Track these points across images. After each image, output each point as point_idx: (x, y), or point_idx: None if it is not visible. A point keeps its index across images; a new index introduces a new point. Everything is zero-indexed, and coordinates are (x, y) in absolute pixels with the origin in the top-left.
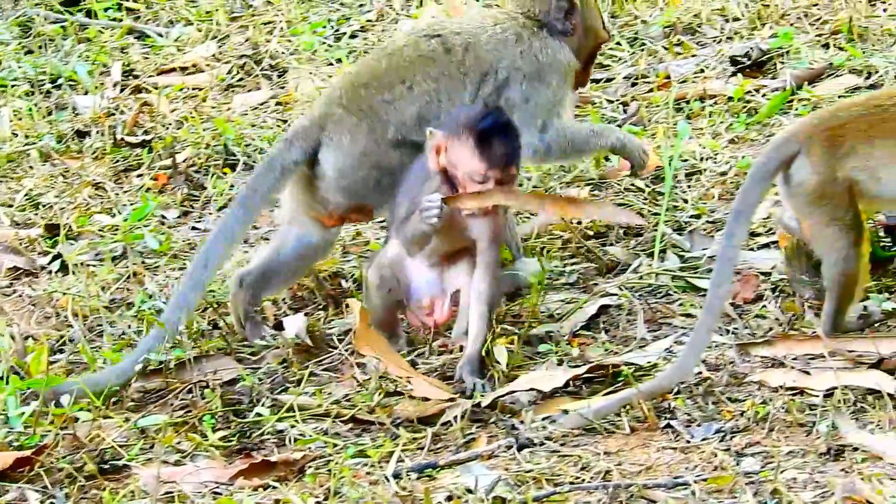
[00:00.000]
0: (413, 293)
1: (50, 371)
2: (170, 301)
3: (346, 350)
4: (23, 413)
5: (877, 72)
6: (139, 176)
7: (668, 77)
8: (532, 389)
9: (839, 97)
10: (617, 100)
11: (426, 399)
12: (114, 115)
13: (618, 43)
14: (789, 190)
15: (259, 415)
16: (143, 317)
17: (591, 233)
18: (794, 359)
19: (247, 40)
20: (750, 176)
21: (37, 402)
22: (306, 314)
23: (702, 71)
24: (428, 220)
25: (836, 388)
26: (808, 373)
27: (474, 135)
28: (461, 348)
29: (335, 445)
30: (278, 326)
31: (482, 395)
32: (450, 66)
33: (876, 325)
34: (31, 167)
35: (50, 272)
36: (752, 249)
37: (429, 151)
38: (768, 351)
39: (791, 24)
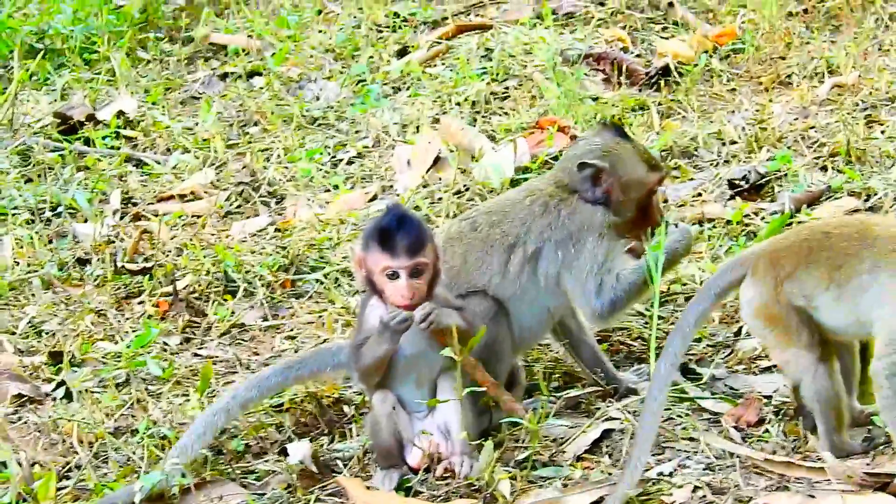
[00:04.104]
0: (413, 441)
1: (58, 498)
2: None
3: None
4: None
5: (875, 194)
6: (140, 303)
7: (665, 201)
8: None
9: None
10: None
11: None
12: (114, 242)
13: None
14: (743, 312)
15: None
16: (147, 444)
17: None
18: (797, 482)
19: (244, 167)
20: (698, 293)
21: None
22: (310, 440)
23: (699, 194)
24: (398, 327)
25: None
26: (813, 496)
27: (375, 235)
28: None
29: None
30: (283, 452)
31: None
32: (474, 242)
33: (881, 447)
34: (33, 294)
35: (54, 399)
36: (753, 373)
37: (354, 268)
38: (772, 475)
39: (788, 147)
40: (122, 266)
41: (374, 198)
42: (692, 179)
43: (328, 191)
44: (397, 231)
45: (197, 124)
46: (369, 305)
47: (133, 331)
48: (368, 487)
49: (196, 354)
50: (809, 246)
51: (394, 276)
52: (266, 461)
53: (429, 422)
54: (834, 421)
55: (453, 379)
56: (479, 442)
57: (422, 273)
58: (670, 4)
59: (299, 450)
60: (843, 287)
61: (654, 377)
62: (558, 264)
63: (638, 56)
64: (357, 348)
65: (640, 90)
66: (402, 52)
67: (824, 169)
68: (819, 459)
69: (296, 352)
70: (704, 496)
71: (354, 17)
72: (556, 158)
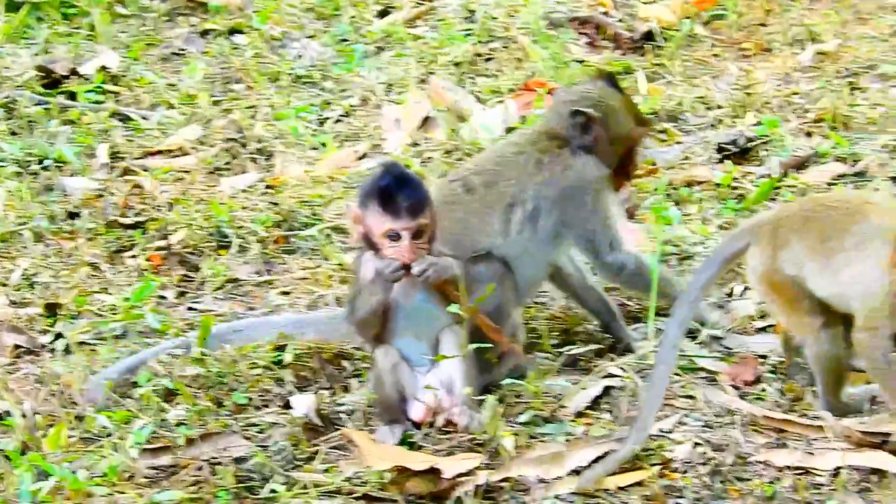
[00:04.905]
0: (415, 394)
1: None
2: None
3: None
4: (38, 489)
5: (862, 159)
6: (133, 257)
7: (654, 164)
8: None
9: (826, 184)
10: None
11: (437, 475)
12: (103, 196)
13: None
14: (750, 279)
15: (273, 491)
16: (147, 396)
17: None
18: (796, 439)
19: (230, 123)
20: (706, 260)
21: (53, 478)
22: (313, 394)
23: (687, 158)
24: (392, 276)
25: (841, 468)
26: (811, 453)
27: (375, 195)
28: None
29: None
30: (285, 406)
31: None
32: (472, 206)
33: (879, 405)
34: (24, 247)
35: (52, 350)
36: (749, 334)
37: (350, 225)
38: (771, 433)
39: (773, 113)
40: (114, 220)
41: (364, 156)
42: (679, 143)
43: (316, 149)
44: (399, 191)
45: (180, 80)
46: (364, 259)
47: (127, 284)
48: (373, 441)
49: (191, 308)
50: (806, 216)
51: (395, 237)
52: (269, 414)
53: (432, 376)
54: (833, 383)
55: (456, 334)
56: (482, 397)
57: (423, 234)
58: None
59: (303, 403)
60: (828, 259)
61: (664, 340)
62: (558, 221)
63: (620, 21)
64: (352, 302)
65: (624, 54)
66: (383, 13)
67: (809, 135)
68: (817, 418)
69: (291, 307)
70: (705, 452)
71: None
72: None
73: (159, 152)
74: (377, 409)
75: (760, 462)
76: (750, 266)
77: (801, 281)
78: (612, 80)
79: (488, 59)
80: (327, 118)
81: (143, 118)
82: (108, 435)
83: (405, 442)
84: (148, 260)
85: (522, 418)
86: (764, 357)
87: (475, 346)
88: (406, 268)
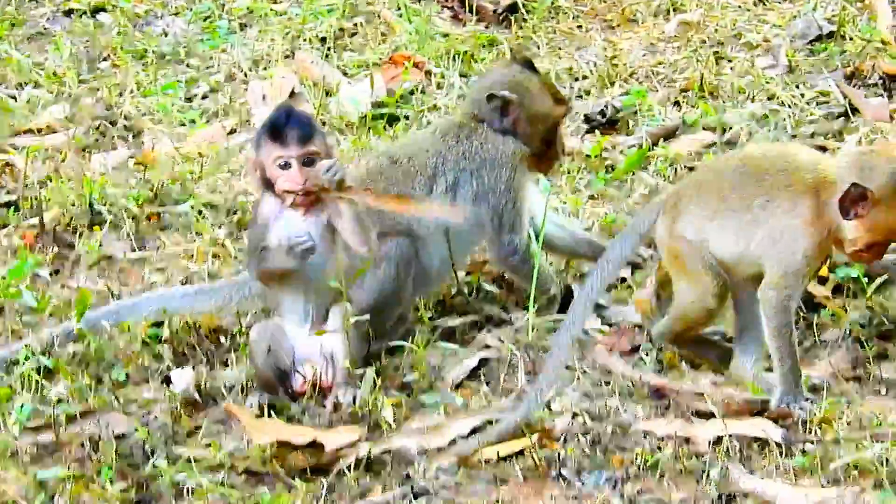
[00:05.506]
0: (297, 360)
1: None
2: None
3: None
4: None
5: (731, 128)
6: (6, 236)
7: None
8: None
9: (696, 153)
10: None
11: (319, 448)
12: None
13: None
14: (659, 248)
15: (155, 466)
16: (27, 374)
17: (466, 290)
18: (676, 408)
19: (98, 101)
20: (620, 233)
21: None
22: (193, 368)
23: None
24: (302, 249)
25: (722, 436)
26: (692, 421)
27: (266, 130)
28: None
29: (233, 497)
30: (165, 381)
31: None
32: (396, 176)
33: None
34: None
35: None
36: (622, 304)
37: (249, 173)
38: (649, 402)
39: (640, 83)
40: None
41: (233, 131)
42: None
43: (184, 125)
44: (287, 123)
45: (46, 59)
46: (264, 200)
47: (2, 263)
48: (256, 416)
49: (66, 286)
50: (701, 181)
51: (286, 165)
52: (149, 390)
53: (314, 349)
54: (680, 325)
55: (344, 310)
56: (361, 371)
57: (313, 162)
58: None
59: (182, 378)
60: (732, 219)
61: (570, 313)
62: (475, 193)
63: None
64: (256, 248)
65: (488, 27)
66: None
67: (677, 104)
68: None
69: (166, 283)
70: (584, 422)
71: None
72: (412, 93)
73: (29, 131)
74: (255, 384)
75: (641, 431)
76: (657, 236)
77: (702, 245)
78: (528, 62)
79: (353, 34)
80: (195, 95)
81: (11, 98)
82: None
83: (280, 413)
84: (21, 238)
85: (402, 388)
86: (640, 326)
87: (359, 317)
88: (308, 195)
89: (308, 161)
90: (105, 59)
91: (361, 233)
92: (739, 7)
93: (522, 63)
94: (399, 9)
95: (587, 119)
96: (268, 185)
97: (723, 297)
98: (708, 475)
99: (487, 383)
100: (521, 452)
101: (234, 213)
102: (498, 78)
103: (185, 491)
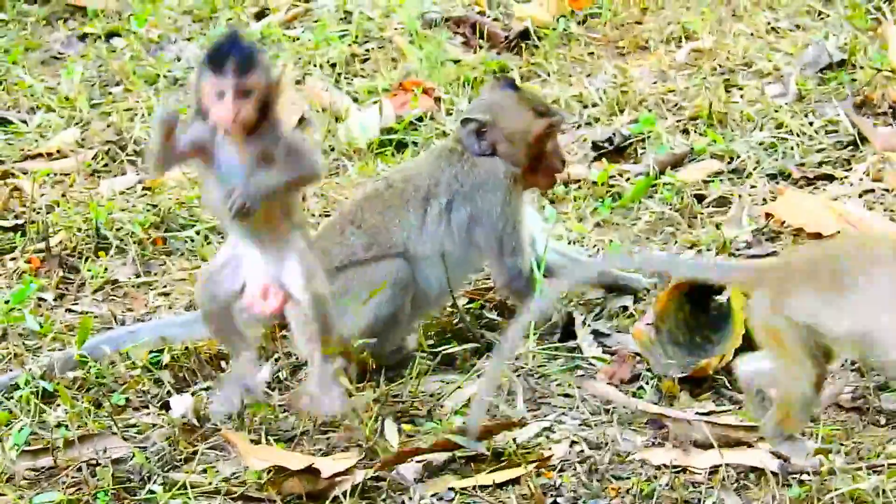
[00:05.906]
0: (247, 287)
1: None
2: None
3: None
4: None
5: (738, 156)
6: (13, 259)
7: None
8: (422, 461)
9: (703, 181)
10: None
11: (315, 475)
12: None
13: None
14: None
15: (152, 492)
16: (26, 398)
17: (467, 317)
18: (674, 438)
19: (109, 126)
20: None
21: None
22: (191, 394)
23: None
24: (236, 209)
25: (719, 465)
26: (688, 451)
27: (206, 56)
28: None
29: None
30: (164, 406)
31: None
32: (391, 199)
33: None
34: None
35: None
36: (623, 332)
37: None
38: (648, 431)
39: (649, 110)
40: None
41: None
42: None
43: None
44: (227, 51)
45: (59, 84)
46: (195, 122)
47: (7, 287)
48: (254, 441)
49: (70, 310)
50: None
51: (220, 95)
52: (148, 415)
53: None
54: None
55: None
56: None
57: (250, 94)
58: None
59: (181, 403)
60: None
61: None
62: (469, 217)
63: (495, 20)
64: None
65: (499, 54)
66: (260, 15)
67: (686, 132)
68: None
69: (170, 308)
70: (582, 451)
71: None
72: (420, 119)
73: (39, 155)
74: (217, 340)
75: (638, 460)
76: (755, 311)
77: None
78: (510, 81)
79: (364, 60)
80: None
81: (23, 122)
82: None
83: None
84: (27, 262)
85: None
86: (639, 355)
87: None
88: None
89: (243, 93)
90: (118, 84)
91: (302, 157)
92: (752, 35)
93: (503, 83)
94: (411, 35)
95: (595, 146)
96: (204, 112)
97: (819, 386)
98: None
99: (487, 411)
100: (517, 480)
101: None
102: (476, 102)
103: None
